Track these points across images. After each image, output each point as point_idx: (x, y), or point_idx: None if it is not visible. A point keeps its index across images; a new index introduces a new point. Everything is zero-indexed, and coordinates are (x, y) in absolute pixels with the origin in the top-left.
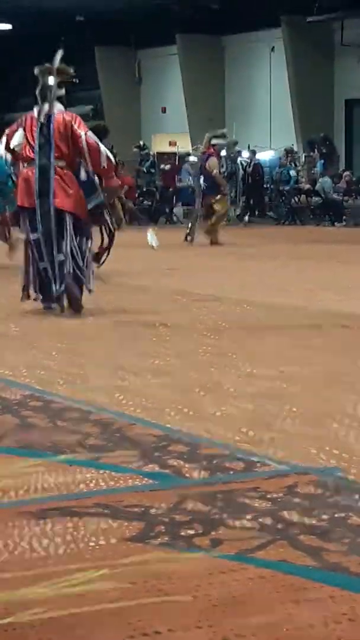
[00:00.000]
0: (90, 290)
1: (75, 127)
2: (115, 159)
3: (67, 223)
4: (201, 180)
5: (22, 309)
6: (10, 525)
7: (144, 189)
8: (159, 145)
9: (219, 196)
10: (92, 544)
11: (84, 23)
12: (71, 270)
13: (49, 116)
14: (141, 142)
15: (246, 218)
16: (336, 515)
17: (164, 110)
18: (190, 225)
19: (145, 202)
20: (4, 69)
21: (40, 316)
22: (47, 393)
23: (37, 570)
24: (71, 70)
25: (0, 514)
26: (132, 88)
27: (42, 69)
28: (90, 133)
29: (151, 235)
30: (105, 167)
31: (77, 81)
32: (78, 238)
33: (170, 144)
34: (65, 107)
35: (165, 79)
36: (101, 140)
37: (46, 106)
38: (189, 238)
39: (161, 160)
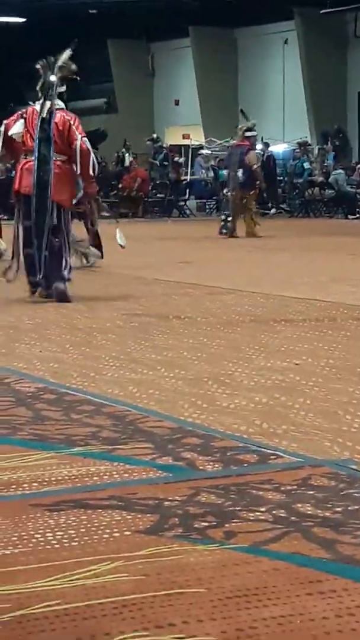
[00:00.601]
0: (68, 280)
1: (74, 128)
2: (128, 152)
3: (62, 217)
4: (239, 173)
5: (35, 303)
6: (24, 518)
7: (157, 182)
8: (172, 137)
9: (252, 192)
10: (105, 536)
11: (97, 16)
12: (63, 263)
13: (50, 112)
14: (154, 135)
15: (272, 210)
16: (350, 508)
17: (177, 102)
18: (225, 217)
19: (158, 194)
20: (17, 62)
21: (53, 309)
22: (61, 386)
23: (51, 563)
24: (73, 67)
25: (14, 507)
26: (145, 81)
27: (45, 65)
28: (85, 139)
29: (119, 235)
30: (90, 174)
31: (79, 78)
32: (67, 231)
33: (184, 136)
34: (66, 104)
35: (178, 71)
36: (100, 143)
37: (48, 102)
38: (224, 231)
39: (174, 153)
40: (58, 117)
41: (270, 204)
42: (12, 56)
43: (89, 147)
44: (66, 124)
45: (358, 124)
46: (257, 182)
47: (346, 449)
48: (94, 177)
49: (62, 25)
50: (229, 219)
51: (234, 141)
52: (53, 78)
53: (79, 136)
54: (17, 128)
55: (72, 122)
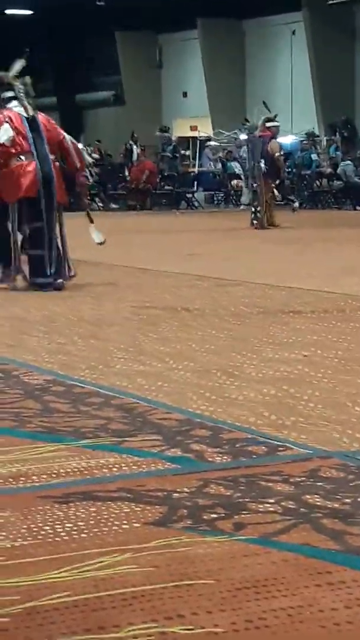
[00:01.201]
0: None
1: (58, 127)
2: (136, 144)
3: (61, 215)
4: (262, 164)
5: (43, 296)
6: (33, 510)
7: (165, 174)
8: (180, 129)
9: (277, 181)
10: (115, 528)
11: (104, 8)
12: (65, 258)
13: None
14: (165, 126)
15: (296, 204)
16: (359, 499)
17: (185, 94)
18: (255, 209)
19: (166, 187)
20: (24, 54)
21: (61, 301)
22: (69, 378)
23: (60, 555)
24: (27, 80)
25: (23, 499)
26: (153, 73)
27: (9, 75)
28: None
29: (95, 233)
30: (82, 165)
31: (34, 94)
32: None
33: (192, 128)
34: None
35: (186, 63)
36: None
37: (26, 103)
38: (255, 222)
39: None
40: (41, 116)
41: (281, 195)
42: (19, 48)
43: (73, 140)
44: (50, 122)
45: None
46: (281, 171)
47: (355, 441)
48: (84, 168)
49: (70, 18)
50: (258, 209)
51: (257, 132)
52: (21, 82)
53: (64, 133)
54: (5, 133)
55: (51, 122)
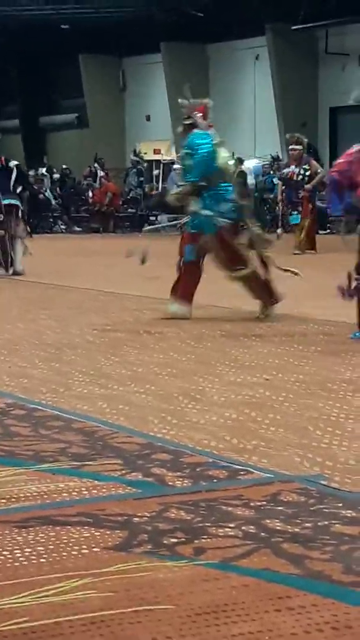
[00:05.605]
0: None
1: None
2: (101, 167)
3: None
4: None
5: (6, 319)
6: None
7: (129, 197)
8: (144, 153)
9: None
10: (74, 552)
11: (69, 31)
12: None
13: None
14: (136, 149)
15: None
16: (319, 523)
17: (148, 118)
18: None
19: (129, 209)
20: None
21: (24, 324)
22: (30, 401)
23: (19, 580)
24: None
25: None
26: (116, 96)
27: None
28: None
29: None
30: None
31: None
32: None
33: (155, 151)
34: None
35: (149, 87)
36: None
37: None
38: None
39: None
40: None
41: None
42: None
43: None
44: None
45: (329, 140)
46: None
47: (316, 465)
48: None
49: (35, 40)
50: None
51: None
52: None
53: None
54: None
55: None
